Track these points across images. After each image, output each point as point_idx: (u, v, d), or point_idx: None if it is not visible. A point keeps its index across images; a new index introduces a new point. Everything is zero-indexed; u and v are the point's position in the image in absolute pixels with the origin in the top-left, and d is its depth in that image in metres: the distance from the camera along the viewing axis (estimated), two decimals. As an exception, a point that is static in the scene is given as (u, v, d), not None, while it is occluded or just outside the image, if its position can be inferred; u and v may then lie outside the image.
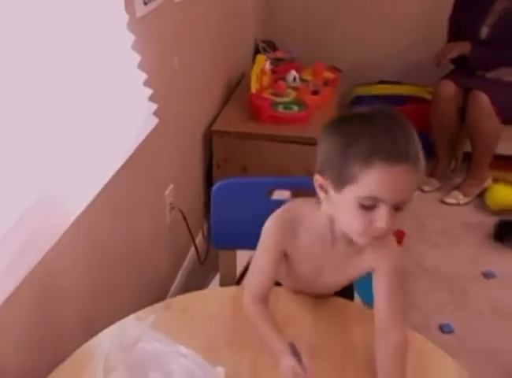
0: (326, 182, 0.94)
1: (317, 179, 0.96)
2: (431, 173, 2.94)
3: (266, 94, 2.49)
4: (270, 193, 1.50)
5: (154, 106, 1.53)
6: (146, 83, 1.48)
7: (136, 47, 1.38)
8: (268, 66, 2.62)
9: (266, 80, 2.60)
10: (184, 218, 2.00)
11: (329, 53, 3.31)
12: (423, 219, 2.58)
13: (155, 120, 1.54)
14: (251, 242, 1.24)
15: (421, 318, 1.95)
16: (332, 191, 0.94)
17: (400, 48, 3.43)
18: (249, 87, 2.47)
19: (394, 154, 0.85)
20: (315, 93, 2.62)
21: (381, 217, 0.88)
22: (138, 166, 1.60)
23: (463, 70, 2.80)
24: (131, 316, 1.08)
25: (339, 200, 0.93)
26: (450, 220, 2.61)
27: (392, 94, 3.24)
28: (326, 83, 2.78)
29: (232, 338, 1.06)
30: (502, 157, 2.90)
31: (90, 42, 1.17)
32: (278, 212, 1.09)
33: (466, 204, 2.73)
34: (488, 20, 2.75)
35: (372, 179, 0.86)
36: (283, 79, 2.67)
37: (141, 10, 1.45)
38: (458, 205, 2.73)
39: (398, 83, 3.37)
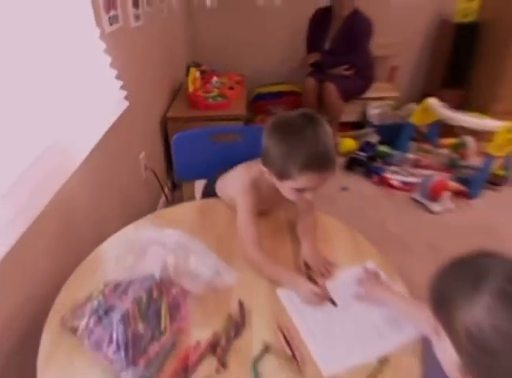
0: (270, 171, 0.98)
1: (264, 169, 1.00)
2: None
3: (199, 93, 2.55)
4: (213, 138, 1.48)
5: (124, 93, 1.51)
6: (118, 77, 1.46)
7: (110, 53, 1.38)
8: (198, 75, 2.68)
9: (198, 84, 2.66)
10: (155, 174, 2.02)
11: (238, 65, 3.33)
12: None
13: (126, 103, 1.54)
14: (204, 173, 1.36)
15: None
16: (274, 179, 0.99)
17: (281, 59, 3.51)
18: (187, 89, 2.53)
19: (322, 166, 0.91)
20: (231, 88, 2.72)
21: (309, 195, 0.96)
22: (119, 136, 1.57)
23: (318, 70, 2.98)
24: (131, 226, 1.11)
25: (280, 184, 0.99)
26: None
27: (279, 90, 3.35)
28: (237, 82, 2.86)
29: (199, 228, 1.10)
30: (343, 123, 3.12)
31: (73, 47, 1.15)
32: (246, 183, 1.08)
33: None
34: (328, 38, 2.97)
35: (305, 181, 0.92)
36: (209, 82, 2.75)
37: (108, 28, 1.45)
38: None
39: (283, 83, 3.43)
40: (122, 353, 0.73)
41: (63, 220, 1.14)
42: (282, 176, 0.96)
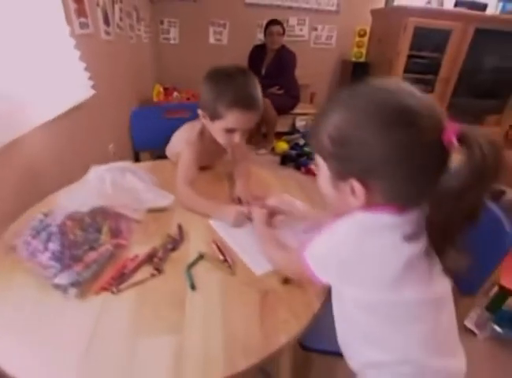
0: (205, 115, 0.88)
1: (200, 113, 0.89)
2: (249, 142, 2.96)
3: (162, 102, 2.42)
4: (167, 114, 1.34)
5: (91, 82, 1.35)
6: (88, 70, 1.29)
7: (79, 50, 1.24)
8: (161, 90, 2.57)
9: (161, 97, 2.53)
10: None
11: (194, 84, 2.87)
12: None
13: (93, 91, 1.36)
14: (157, 144, 1.19)
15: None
16: (208, 121, 0.88)
17: None
18: (153, 101, 2.41)
19: (247, 105, 0.81)
20: (188, 99, 2.66)
21: (236, 137, 0.85)
22: (90, 125, 1.43)
23: None
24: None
25: (213, 127, 0.87)
26: (262, 160, 2.79)
27: None
28: (193, 95, 2.73)
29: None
30: (278, 132, 3.03)
31: (46, 39, 1.02)
32: (191, 136, 0.96)
33: (267, 153, 2.91)
34: (264, 65, 2.93)
35: (231, 119, 0.82)
36: (171, 95, 2.64)
37: (78, 30, 1.30)
38: (264, 154, 2.90)
39: None
40: (56, 258, 0.56)
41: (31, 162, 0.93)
42: (213, 116, 0.85)
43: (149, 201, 0.74)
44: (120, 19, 1.94)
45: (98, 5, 1.56)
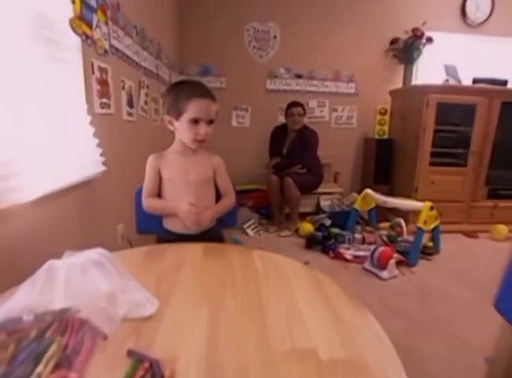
0: (171, 117, 0.98)
1: (166, 118, 0.99)
2: (271, 224, 2.95)
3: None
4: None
5: (102, 159, 1.33)
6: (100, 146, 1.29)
7: (96, 127, 1.26)
8: None
9: None
10: (130, 244, 1.66)
11: None
12: (272, 244, 2.61)
13: (103, 167, 1.35)
14: (159, 228, 1.09)
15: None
16: (175, 122, 0.98)
17: (249, 164, 3.43)
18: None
19: (202, 93, 0.94)
20: None
21: (202, 128, 0.96)
22: (98, 206, 1.38)
23: (278, 170, 2.87)
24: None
25: (179, 125, 0.97)
26: (285, 243, 2.67)
27: (248, 188, 3.22)
28: None
29: (142, 268, 0.78)
30: (302, 213, 2.97)
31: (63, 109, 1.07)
32: (152, 155, 1.07)
33: (290, 235, 2.79)
34: (286, 145, 2.94)
35: (193, 107, 0.94)
36: None
37: (98, 109, 1.34)
38: (287, 236, 2.77)
39: (249, 183, 3.33)
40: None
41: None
42: (178, 112, 0.96)
43: (122, 307, 0.54)
44: (145, 103, 2.03)
45: (123, 88, 1.62)
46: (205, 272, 0.80)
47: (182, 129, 0.99)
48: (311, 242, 2.57)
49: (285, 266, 0.89)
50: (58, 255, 0.81)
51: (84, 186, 1.22)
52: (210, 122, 0.99)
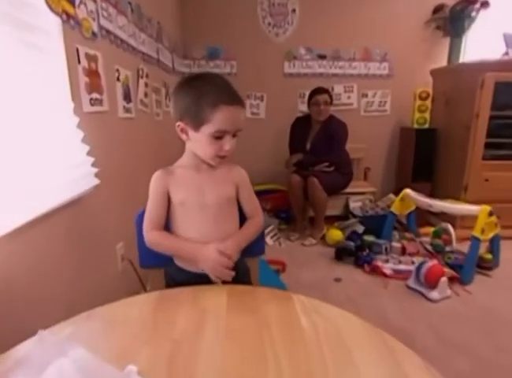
0: (186, 126, 0.87)
1: (179, 125, 0.88)
2: (293, 230, 2.88)
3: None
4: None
5: (95, 170, 1.22)
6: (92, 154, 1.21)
7: (86, 130, 1.16)
8: None
9: None
10: (132, 265, 1.55)
11: None
12: (294, 255, 2.51)
13: (96, 181, 1.24)
14: (168, 261, 0.98)
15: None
16: (191, 132, 0.87)
17: (266, 162, 3.38)
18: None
19: (231, 98, 0.84)
20: None
21: (227, 143, 0.86)
22: (94, 221, 1.31)
23: (301, 168, 2.80)
24: (46, 331, 0.62)
25: (198, 137, 0.86)
26: (310, 253, 2.56)
27: (265, 189, 3.16)
28: None
29: (151, 335, 0.65)
30: (328, 217, 2.88)
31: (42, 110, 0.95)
32: (154, 174, 0.95)
33: (316, 244, 2.70)
34: (309, 139, 2.84)
35: (219, 118, 0.83)
36: None
37: (88, 107, 1.22)
38: (312, 244, 2.68)
39: (269, 182, 3.29)
40: None
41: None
42: (197, 122, 0.85)
43: None
44: (145, 95, 1.90)
45: (118, 79, 1.50)
46: (235, 338, 0.66)
47: (201, 142, 0.88)
48: (341, 253, 2.44)
49: (340, 324, 0.72)
50: (43, 296, 0.70)
51: (72, 206, 1.11)
52: (236, 134, 0.89)
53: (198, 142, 0.88)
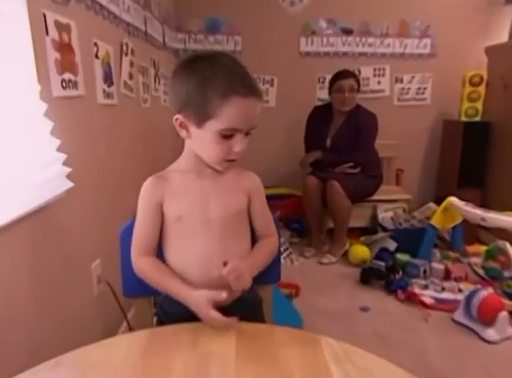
0: (187, 120, 0.85)
1: (178, 118, 0.86)
2: (308, 244, 2.89)
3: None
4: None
5: (68, 169, 1.21)
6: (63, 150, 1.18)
7: (56, 119, 1.13)
8: None
9: None
10: (111, 289, 1.51)
11: None
12: (310, 276, 2.52)
13: (70, 184, 1.23)
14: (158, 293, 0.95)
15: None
16: (193, 128, 0.85)
17: (277, 161, 3.42)
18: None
19: (247, 87, 0.80)
20: None
21: (238, 144, 0.83)
22: (62, 236, 1.27)
23: (319, 168, 2.84)
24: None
25: (201, 134, 0.84)
26: (329, 273, 2.56)
27: (274, 193, 3.15)
28: None
29: None
30: (351, 229, 2.90)
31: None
32: (145, 183, 0.94)
33: (336, 262, 2.70)
34: (330, 133, 2.87)
35: (230, 112, 0.80)
36: None
37: (58, 91, 1.19)
38: (331, 263, 2.68)
39: (280, 185, 3.32)
40: None
41: None
42: (201, 116, 0.82)
43: None
44: (130, 76, 1.90)
45: (97, 56, 1.50)
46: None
47: (204, 141, 0.86)
48: (368, 276, 2.44)
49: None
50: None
51: (36, 216, 1.08)
52: (250, 132, 0.87)
53: (200, 141, 0.87)
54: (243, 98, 0.79)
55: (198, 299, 0.80)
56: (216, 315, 0.78)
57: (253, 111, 0.83)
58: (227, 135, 0.82)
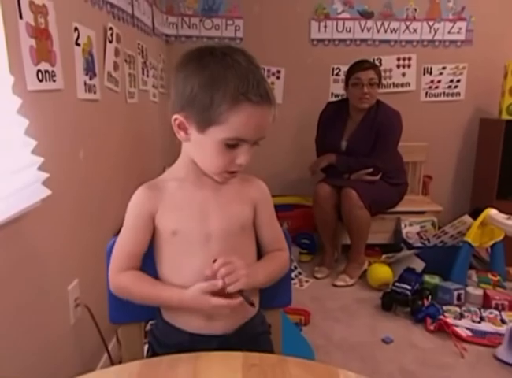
0: (188, 121, 0.86)
1: (177, 118, 0.87)
2: (320, 263, 2.91)
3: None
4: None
5: (45, 175, 1.22)
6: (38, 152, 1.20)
7: (31, 116, 1.15)
8: None
9: None
10: (91, 314, 1.54)
11: None
12: (322, 300, 2.52)
13: (47, 191, 1.24)
14: (150, 314, 1.01)
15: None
16: (194, 131, 0.86)
17: (281, 168, 3.46)
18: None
19: (259, 96, 0.81)
20: None
21: (243, 155, 0.85)
22: (34, 260, 1.29)
23: (333, 174, 2.85)
24: None
25: (202, 140, 0.86)
26: (345, 298, 2.56)
27: (281, 203, 3.14)
28: None
29: None
30: (370, 245, 2.93)
31: None
32: (134, 194, 0.96)
33: (353, 284, 2.71)
34: (345, 135, 2.88)
35: (239, 121, 0.81)
36: None
37: (34, 84, 1.21)
38: (347, 285, 2.69)
39: (288, 195, 3.34)
40: None
41: None
42: (205, 119, 0.83)
43: None
44: (115, 66, 1.93)
45: (77, 43, 1.52)
46: None
47: (204, 148, 0.88)
48: (391, 301, 2.46)
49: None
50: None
51: (6, 229, 1.09)
52: (257, 142, 0.89)
53: (200, 147, 0.88)
54: (255, 105, 0.81)
55: (194, 293, 0.84)
56: (218, 301, 0.82)
57: (264, 121, 0.84)
58: (231, 145, 0.84)
